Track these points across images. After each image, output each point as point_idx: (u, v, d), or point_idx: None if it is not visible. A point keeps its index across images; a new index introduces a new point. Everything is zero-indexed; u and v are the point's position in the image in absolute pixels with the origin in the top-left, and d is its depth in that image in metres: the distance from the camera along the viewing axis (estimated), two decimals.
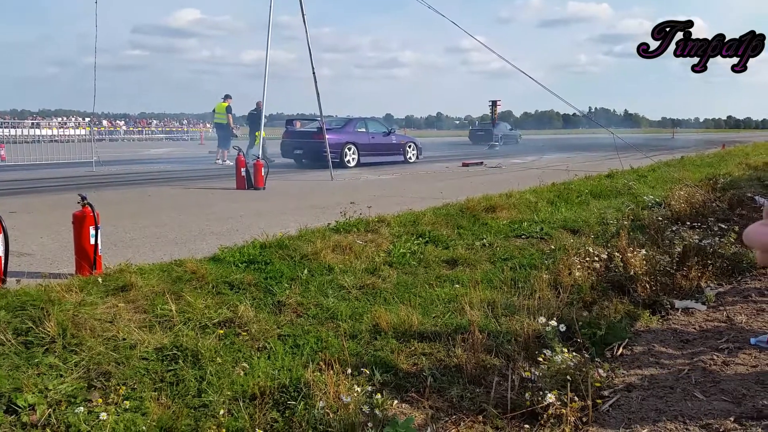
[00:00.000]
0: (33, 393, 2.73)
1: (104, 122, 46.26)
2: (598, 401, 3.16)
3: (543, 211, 7.90)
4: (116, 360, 3.12)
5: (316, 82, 13.04)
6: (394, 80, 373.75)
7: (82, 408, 2.62)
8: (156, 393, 2.93)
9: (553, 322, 3.45)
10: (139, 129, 46.02)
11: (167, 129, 46.74)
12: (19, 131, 28.99)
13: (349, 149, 16.61)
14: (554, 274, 4.99)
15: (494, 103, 32.55)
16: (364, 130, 17.43)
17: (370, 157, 17.25)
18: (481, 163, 18.57)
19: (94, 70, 14.04)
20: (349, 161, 16.50)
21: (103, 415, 2.56)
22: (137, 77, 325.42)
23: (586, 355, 3.35)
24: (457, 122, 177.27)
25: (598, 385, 3.25)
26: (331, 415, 2.73)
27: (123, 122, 49.33)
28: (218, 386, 3.01)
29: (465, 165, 17.81)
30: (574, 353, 3.29)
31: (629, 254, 5.14)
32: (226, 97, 18.25)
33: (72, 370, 3.00)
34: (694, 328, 4.37)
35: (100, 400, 2.74)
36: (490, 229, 6.66)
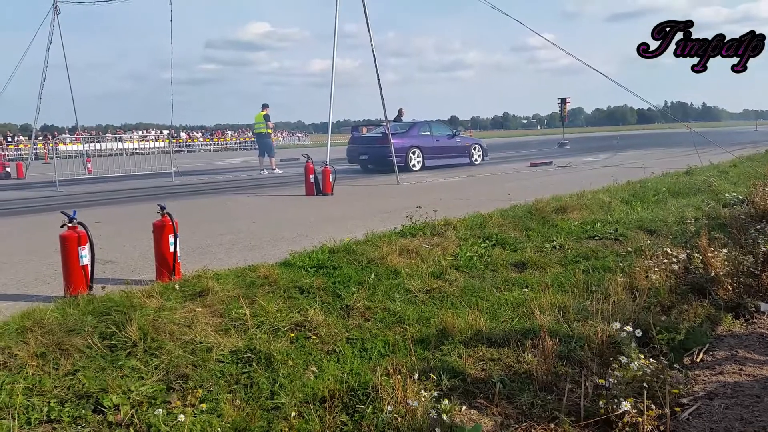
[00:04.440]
0: (117, 394, 2.90)
1: (182, 134, 48.10)
2: (677, 409, 3.02)
3: (617, 211, 7.65)
4: (193, 363, 3.26)
5: (380, 87, 13.20)
6: (458, 82, 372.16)
7: (161, 410, 2.75)
8: (231, 395, 3.03)
9: (629, 327, 3.33)
10: (216, 140, 47.64)
11: (241, 139, 48.21)
12: (103, 145, 30.75)
13: (414, 153, 16.62)
14: (630, 277, 4.80)
15: (563, 101, 31.74)
16: (428, 133, 17.39)
17: (435, 160, 17.20)
18: (551, 162, 18.19)
19: (171, 85, 14.80)
20: (414, 165, 16.53)
21: (181, 417, 2.67)
22: (211, 90, 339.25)
23: (664, 361, 3.21)
24: (525, 121, 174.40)
25: (676, 392, 3.11)
26: (398, 420, 2.74)
27: (200, 134, 51.10)
28: (290, 389, 3.09)
29: (533, 165, 17.50)
30: (650, 359, 3.16)
31: (710, 255, 4.89)
32: (264, 105, 18.19)
33: (152, 372, 3.16)
34: None
35: (178, 402, 2.87)
36: (560, 231, 6.51)
